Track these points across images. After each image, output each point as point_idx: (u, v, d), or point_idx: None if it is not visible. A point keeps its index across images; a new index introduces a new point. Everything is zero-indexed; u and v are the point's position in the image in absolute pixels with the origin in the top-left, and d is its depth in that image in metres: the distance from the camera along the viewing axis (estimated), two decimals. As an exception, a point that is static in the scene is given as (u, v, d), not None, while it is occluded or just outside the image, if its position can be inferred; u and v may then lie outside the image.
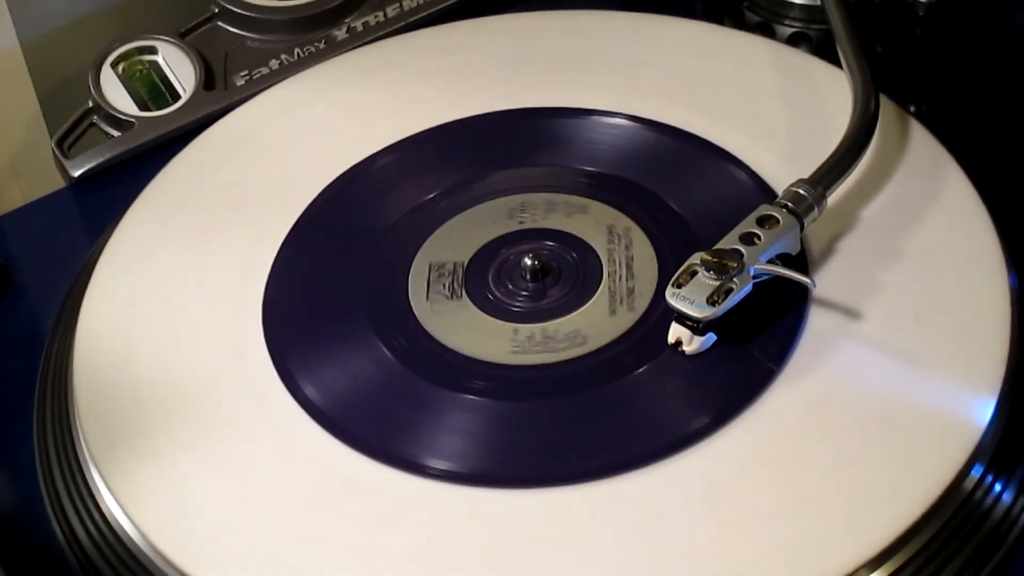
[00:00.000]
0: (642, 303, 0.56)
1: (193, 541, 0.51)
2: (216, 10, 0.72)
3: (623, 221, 0.59)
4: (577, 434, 0.52)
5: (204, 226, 0.62)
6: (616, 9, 0.70)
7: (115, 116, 0.69)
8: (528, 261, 0.57)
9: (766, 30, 0.71)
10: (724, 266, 0.53)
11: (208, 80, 0.70)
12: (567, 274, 0.58)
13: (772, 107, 0.63)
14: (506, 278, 0.58)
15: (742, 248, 0.53)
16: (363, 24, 0.73)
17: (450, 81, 0.67)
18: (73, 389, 0.56)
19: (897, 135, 0.61)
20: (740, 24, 0.72)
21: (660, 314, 0.55)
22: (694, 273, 0.53)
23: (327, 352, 0.56)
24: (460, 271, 0.58)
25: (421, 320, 0.57)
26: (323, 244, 0.61)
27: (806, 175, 0.56)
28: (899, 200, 0.58)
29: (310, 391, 0.55)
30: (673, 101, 0.64)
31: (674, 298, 0.53)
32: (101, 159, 0.68)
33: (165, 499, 0.52)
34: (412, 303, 0.58)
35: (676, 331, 0.54)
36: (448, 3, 0.73)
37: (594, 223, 0.59)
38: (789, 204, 0.55)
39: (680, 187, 0.60)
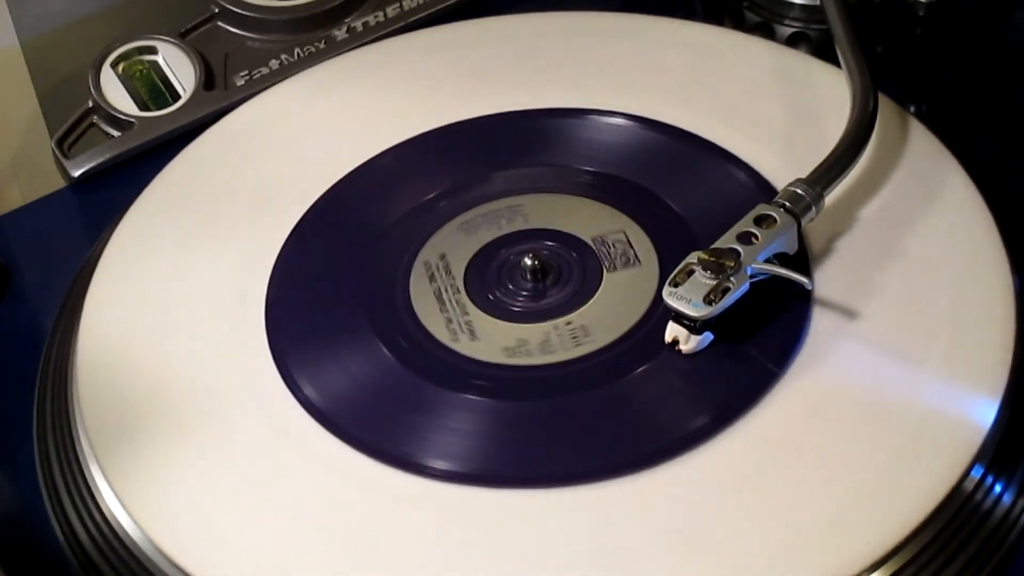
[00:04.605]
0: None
1: (194, 541, 0.51)
2: (216, 10, 0.72)
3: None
4: (577, 435, 0.52)
5: (205, 226, 0.62)
6: (616, 10, 0.70)
7: (115, 116, 0.69)
8: (528, 261, 0.57)
9: (766, 30, 0.71)
10: (721, 265, 0.53)
11: (208, 80, 0.70)
12: (567, 274, 0.58)
13: (772, 107, 0.63)
14: (506, 278, 0.58)
15: (739, 247, 0.54)
16: (363, 24, 0.72)
17: (450, 82, 0.67)
18: (73, 389, 0.56)
19: (898, 135, 0.61)
20: (740, 24, 0.72)
21: (660, 314, 0.55)
22: (691, 272, 0.53)
23: (328, 352, 0.56)
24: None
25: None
26: (324, 244, 0.60)
27: (805, 175, 0.56)
28: (903, 200, 0.58)
29: (310, 391, 0.55)
30: (673, 101, 0.64)
31: (671, 297, 0.53)
32: (101, 159, 0.68)
33: (165, 499, 0.52)
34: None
35: (673, 330, 0.54)
36: (448, 3, 0.73)
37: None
38: (787, 204, 0.55)
39: (680, 187, 0.60)
